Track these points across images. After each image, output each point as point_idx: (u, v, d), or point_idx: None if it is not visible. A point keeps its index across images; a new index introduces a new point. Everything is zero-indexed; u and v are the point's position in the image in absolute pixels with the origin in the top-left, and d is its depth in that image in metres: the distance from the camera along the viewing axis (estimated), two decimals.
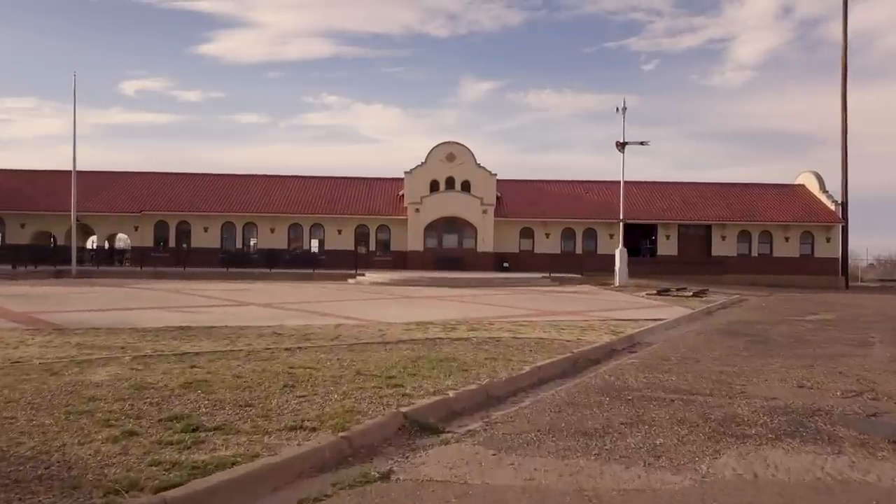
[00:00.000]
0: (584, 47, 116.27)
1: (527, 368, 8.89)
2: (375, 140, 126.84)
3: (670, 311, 19.97)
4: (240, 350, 9.83)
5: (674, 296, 26.93)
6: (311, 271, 34.34)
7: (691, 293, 27.30)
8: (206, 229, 40.50)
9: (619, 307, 20.72)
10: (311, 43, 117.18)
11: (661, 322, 16.43)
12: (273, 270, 34.66)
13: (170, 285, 26.57)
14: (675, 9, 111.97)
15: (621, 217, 34.52)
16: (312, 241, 41.71)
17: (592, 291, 29.03)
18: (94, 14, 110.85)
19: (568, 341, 11.92)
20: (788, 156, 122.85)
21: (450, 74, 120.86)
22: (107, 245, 44.86)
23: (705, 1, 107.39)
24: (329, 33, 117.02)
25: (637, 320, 16.59)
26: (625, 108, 33.63)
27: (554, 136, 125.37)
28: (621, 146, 33.69)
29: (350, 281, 32.29)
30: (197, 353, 9.41)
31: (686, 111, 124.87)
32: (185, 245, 40.45)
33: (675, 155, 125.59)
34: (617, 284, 32.76)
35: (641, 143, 33.96)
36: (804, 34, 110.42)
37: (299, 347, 10.21)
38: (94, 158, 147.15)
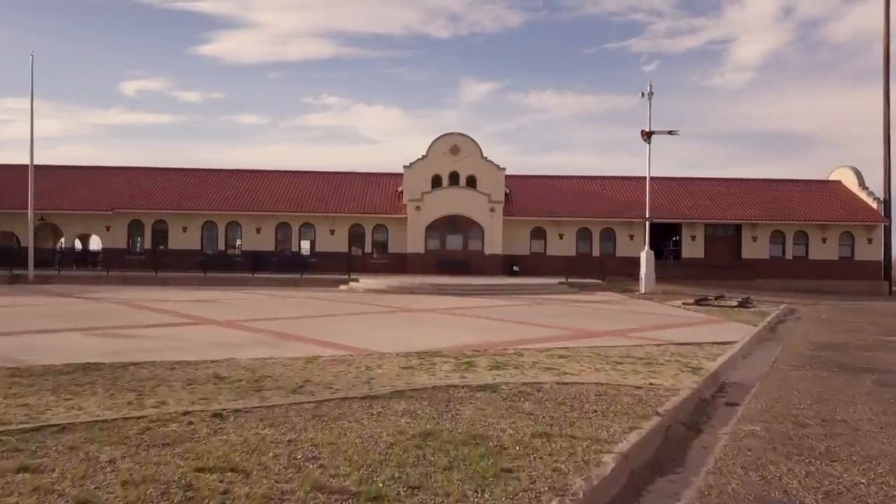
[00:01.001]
0: (585, 48, 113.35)
1: (609, 462, 5.20)
2: (376, 141, 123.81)
3: (727, 328, 16.34)
4: (139, 418, 6.15)
5: (715, 306, 23.27)
6: (298, 276, 30.63)
7: (736, 303, 23.64)
8: (184, 229, 36.75)
9: (664, 323, 17.05)
10: (312, 43, 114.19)
11: (732, 347, 12.79)
12: (256, 275, 30.96)
13: (129, 294, 22.86)
14: (676, 10, 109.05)
15: (647, 215, 30.84)
16: (303, 242, 37.99)
17: (619, 301, 25.33)
18: (95, 14, 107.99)
19: (637, 388, 8.25)
20: (789, 157, 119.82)
21: (450, 75, 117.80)
22: (79, 246, 41.18)
23: (706, 2, 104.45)
24: (329, 34, 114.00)
25: (700, 344, 12.96)
26: (651, 94, 30.00)
27: (554, 137, 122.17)
28: (647, 135, 30.03)
29: (342, 287, 28.61)
30: (61, 429, 5.74)
31: (686, 112, 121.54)
32: (161, 246, 36.73)
33: (676, 156, 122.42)
34: (643, 291, 29.12)
35: (670, 133, 30.29)
36: (805, 35, 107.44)
37: (237, 410, 6.52)
38: (96, 159, 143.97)
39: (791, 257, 37.85)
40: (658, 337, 13.93)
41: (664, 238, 38.60)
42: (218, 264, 34.07)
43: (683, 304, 24.33)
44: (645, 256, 29.95)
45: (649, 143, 30.20)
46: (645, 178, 39.98)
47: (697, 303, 24.19)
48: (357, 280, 29.52)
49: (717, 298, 25.64)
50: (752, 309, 22.75)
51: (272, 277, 30.68)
